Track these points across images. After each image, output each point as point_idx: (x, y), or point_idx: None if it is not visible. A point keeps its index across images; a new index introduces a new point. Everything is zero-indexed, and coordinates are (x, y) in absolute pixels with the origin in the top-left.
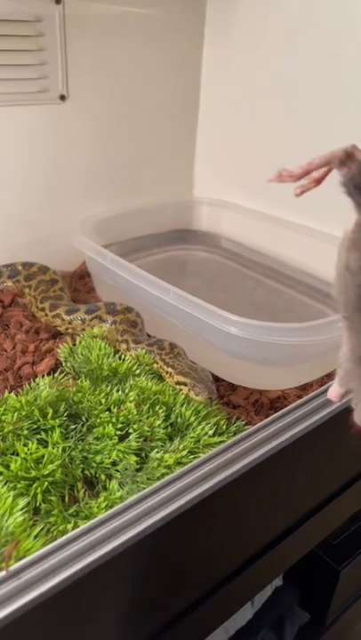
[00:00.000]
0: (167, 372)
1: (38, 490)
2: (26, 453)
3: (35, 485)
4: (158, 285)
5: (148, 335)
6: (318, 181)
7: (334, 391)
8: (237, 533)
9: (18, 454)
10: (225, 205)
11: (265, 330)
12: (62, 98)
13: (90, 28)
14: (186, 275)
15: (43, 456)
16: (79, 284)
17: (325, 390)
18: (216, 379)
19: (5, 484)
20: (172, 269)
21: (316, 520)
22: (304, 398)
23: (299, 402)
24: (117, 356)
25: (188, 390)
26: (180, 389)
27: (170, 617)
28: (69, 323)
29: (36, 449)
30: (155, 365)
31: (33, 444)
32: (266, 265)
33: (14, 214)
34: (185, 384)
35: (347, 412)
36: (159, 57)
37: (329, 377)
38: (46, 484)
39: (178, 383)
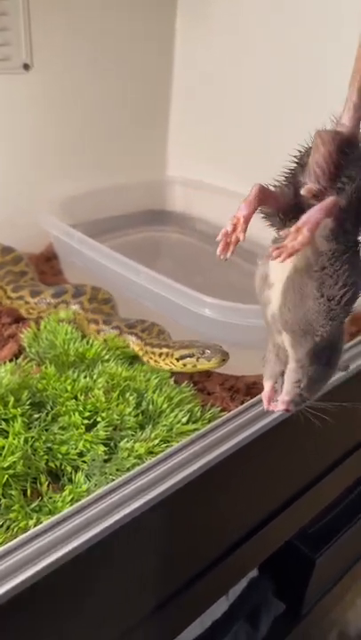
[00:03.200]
0: (163, 354)
1: None
2: None
3: None
4: (128, 266)
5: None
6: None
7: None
8: (213, 524)
9: None
10: (200, 185)
11: (240, 312)
12: (26, 67)
13: None
14: (159, 257)
15: (3, 447)
16: (45, 267)
17: None
18: None
19: None
20: (145, 251)
21: (295, 508)
22: None
23: None
24: (85, 340)
25: (197, 360)
26: (185, 365)
27: (144, 613)
28: (55, 307)
29: None
30: (140, 352)
31: None
32: (242, 247)
33: None
34: (191, 355)
35: (325, 397)
36: (131, 26)
37: None
38: (6, 477)
39: (181, 358)
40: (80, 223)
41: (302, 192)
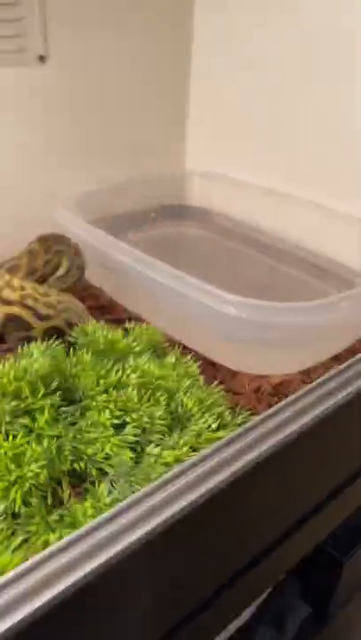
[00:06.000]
0: None
1: (18, 494)
2: (7, 447)
3: (14, 488)
4: (148, 263)
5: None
6: None
7: None
8: (243, 532)
9: None
10: (219, 178)
11: (266, 310)
12: (41, 59)
13: None
14: (178, 253)
15: (24, 454)
16: None
17: (334, 375)
18: (213, 363)
19: None
20: (163, 248)
21: (327, 511)
22: (314, 383)
23: (308, 387)
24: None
25: None
26: None
27: (168, 627)
28: None
29: (20, 444)
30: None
31: (18, 435)
32: (264, 242)
33: None
34: None
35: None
36: (149, 14)
37: (335, 360)
38: (28, 485)
39: None
40: (96, 219)
41: None
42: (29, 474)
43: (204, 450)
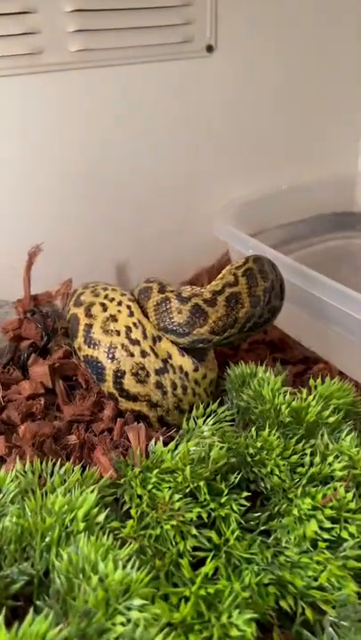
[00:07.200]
0: None
1: None
2: (198, 582)
3: None
4: (341, 293)
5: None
6: None
7: None
8: None
9: (190, 581)
10: None
11: None
12: (209, 49)
13: None
14: (352, 272)
15: (220, 592)
16: None
17: None
18: None
19: (167, 631)
20: (334, 264)
21: None
22: None
23: None
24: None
25: None
26: None
27: None
28: None
29: (214, 574)
30: None
31: (207, 560)
32: None
33: (145, 196)
34: None
35: None
36: (323, 4)
37: None
38: None
39: None
40: (259, 231)
41: None
42: (235, 632)
43: None
